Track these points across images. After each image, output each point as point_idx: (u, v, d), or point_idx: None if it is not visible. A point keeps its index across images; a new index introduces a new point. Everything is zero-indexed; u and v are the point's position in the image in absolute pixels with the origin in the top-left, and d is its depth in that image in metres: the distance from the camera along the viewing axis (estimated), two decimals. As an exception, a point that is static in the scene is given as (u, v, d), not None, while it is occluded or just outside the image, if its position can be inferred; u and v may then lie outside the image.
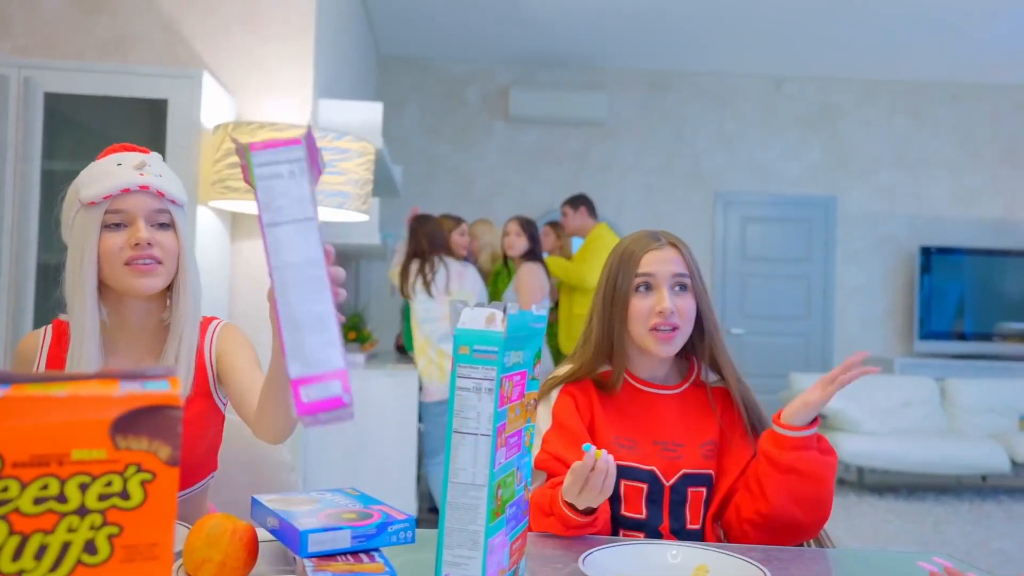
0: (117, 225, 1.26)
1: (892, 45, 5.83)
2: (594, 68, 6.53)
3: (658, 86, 6.59)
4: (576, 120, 6.40)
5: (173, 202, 1.30)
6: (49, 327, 1.37)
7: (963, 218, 6.63)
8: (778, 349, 6.53)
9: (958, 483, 5.51)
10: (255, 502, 1.06)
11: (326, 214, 2.96)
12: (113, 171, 1.27)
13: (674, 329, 1.40)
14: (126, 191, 1.25)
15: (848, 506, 4.95)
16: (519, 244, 4.30)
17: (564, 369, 1.49)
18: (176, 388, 0.60)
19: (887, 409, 5.59)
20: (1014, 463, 5.11)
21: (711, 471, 1.42)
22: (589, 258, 4.49)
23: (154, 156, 1.34)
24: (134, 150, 1.33)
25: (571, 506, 1.25)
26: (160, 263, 1.28)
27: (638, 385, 1.46)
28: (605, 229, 4.64)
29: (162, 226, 1.29)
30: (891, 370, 6.16)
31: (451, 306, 3.71)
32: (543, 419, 1.45)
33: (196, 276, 1.34)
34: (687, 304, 1.41)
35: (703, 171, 6.60)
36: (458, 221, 4.20)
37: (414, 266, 3.85)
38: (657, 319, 1.40)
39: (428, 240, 3.87)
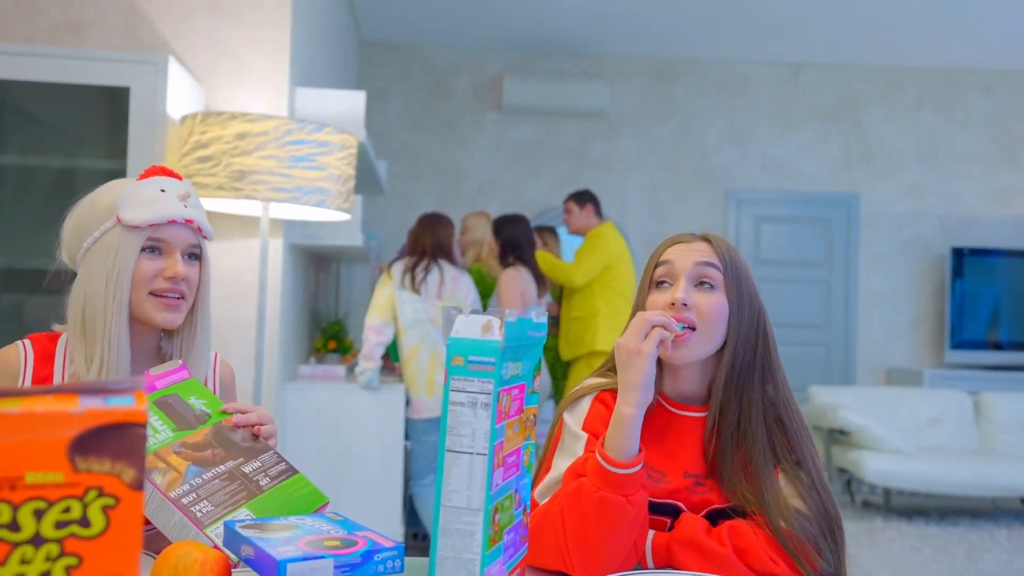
0: (153, 250, 1.37)
1: (919, 30, 5.85)
2: (594, 55, 6.54)
3: (664, 75, 6.61)
4: (575, 111, 6.41)
5: (204, 236, 1.43)
6: (28, 343, 1.40)
7: (998, 217, 6.65)
8: (796, 360, 6.54)
9: (994, 506, 5.52)
10: (228, 528, 1.05)
11: (304, 213, 2.95)
12: (159, 199, 1.36)
13: (688, 328, 1.30)
14: (172, 222, 1.37)
15: (874, 531, 4.95)
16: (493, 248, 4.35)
17: (592, 381, 1.43)
18: (142, 404, 0.60)
19: (916, 426, 5.60)
20: (1054, 484, 5.12)
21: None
22: (582, 256, 4.48)
23: (189, 185, 1.44)
24: (172, 175, 1.42)
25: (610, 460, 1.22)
26: (183, 298, 1.40)
27: (670, 407, 1.38)
28: (609, 228, 4.64)
29: (192, 258, 1.42)
30: (920, 383, 6.17)
31: (443, 313, 3.68)
32: (571, 436, 1.36)
33: (211, 310, 1.49)
34: (711, 302, 1.31)
35: (713, 167, 6.62)
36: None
37: (408, 262, 3.84)
38: (671, 313, 1.30)
39: (434, 241, 3.87)
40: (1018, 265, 6.43)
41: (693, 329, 1.31)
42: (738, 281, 1.34)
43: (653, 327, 1.25)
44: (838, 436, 5.48)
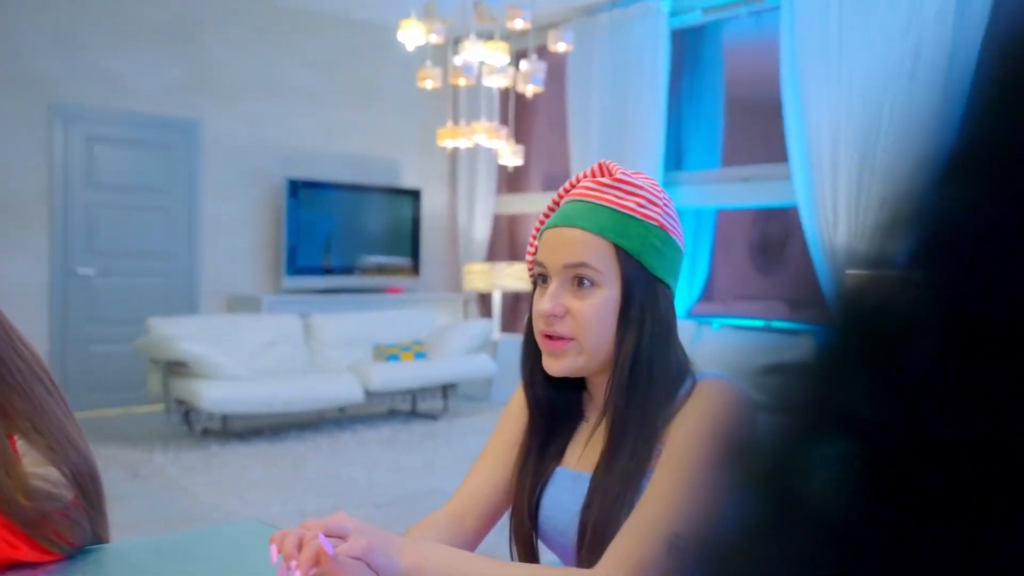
0: None
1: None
2: None
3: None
4: None
5: None
6: None
7: (328, 152, 6.87)
8: (136, 291, 5.93)
9: (320, 418, 5.73)
10: None
11: None
12: None
13: None
14: None
15: (210, 458, 4.71)
16: None
17: None
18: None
19: (252, 351, 5.49)
20: (368, 392, 5.49)
21: None
22: None
23: None
24: None
25: None
26: None
27: None
28: None
29: None
30: (259, 309, 6.09)
31: None
32: None
33: None
34: None
35: (33, 77, 5.51)
36: None
37: None
38: None
39: None
40: (346, 197, 6.74)
41: None
42: None
43: None
44: (176, 368, 5.06)
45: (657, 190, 1.06)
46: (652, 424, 0.99)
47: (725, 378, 1.02)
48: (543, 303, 1.03)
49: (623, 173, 1.06)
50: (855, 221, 4.87)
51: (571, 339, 1.03)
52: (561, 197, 1.11)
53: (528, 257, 1.12)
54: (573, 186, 1.09)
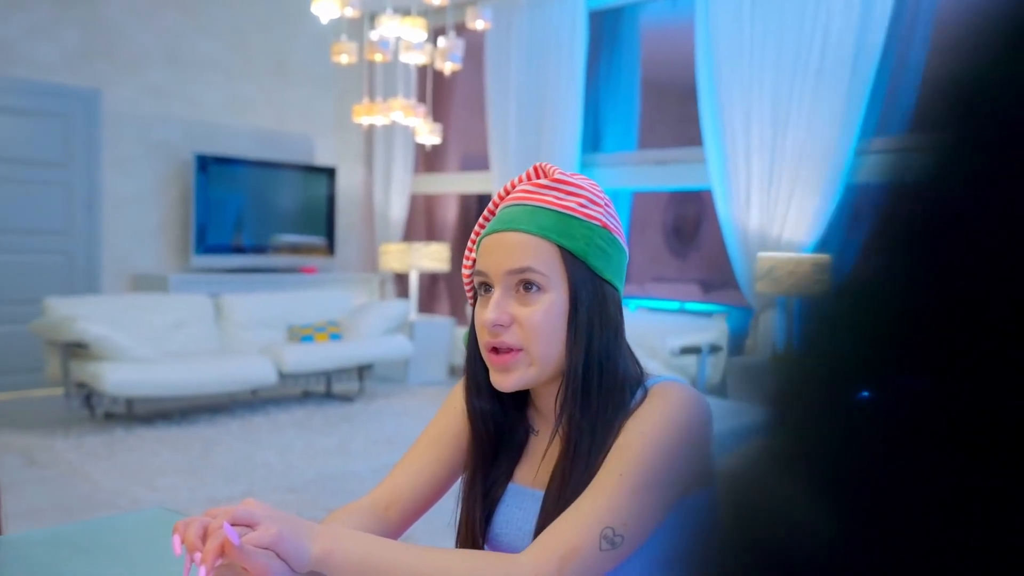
0: None
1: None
2: None
3: None
4: None
5: None
6: None
7: (238, 127, 6.66)
8: (32, 270, 5.65)
9: (232, 401, 5.59)
10: None
11: None
12: None
13: None
14: None
15: (114, 443, 4.55)
16: None
17: None
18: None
19: (160, 332, 5.31)
20: (281, 374, 5.38)
21: None
22: None
23: None
24: None
25: None
26: None
27: None
28: None
29: None
30: (166, 289, 5.89)
31: None
32: None
33: None
34: None
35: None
36: None
37: None
38: None
39: None
40: (258, 174, 6.56)
41: None
42: None
43: None
44: (76, 350, 4.85)
45: (598, 191, 1.03)
46: (604, 435, 0.96)
47: (678, 381, 1.00)
48: (487, 312, 0.98)
49: (561, 174, 1.03)
50: (767, 205, 5.02)
51: (519, 350, 0.98)
52: (496, 204, 1.06)
53: (465, 269, 1.07)
54: (509, 191, 1.05)
